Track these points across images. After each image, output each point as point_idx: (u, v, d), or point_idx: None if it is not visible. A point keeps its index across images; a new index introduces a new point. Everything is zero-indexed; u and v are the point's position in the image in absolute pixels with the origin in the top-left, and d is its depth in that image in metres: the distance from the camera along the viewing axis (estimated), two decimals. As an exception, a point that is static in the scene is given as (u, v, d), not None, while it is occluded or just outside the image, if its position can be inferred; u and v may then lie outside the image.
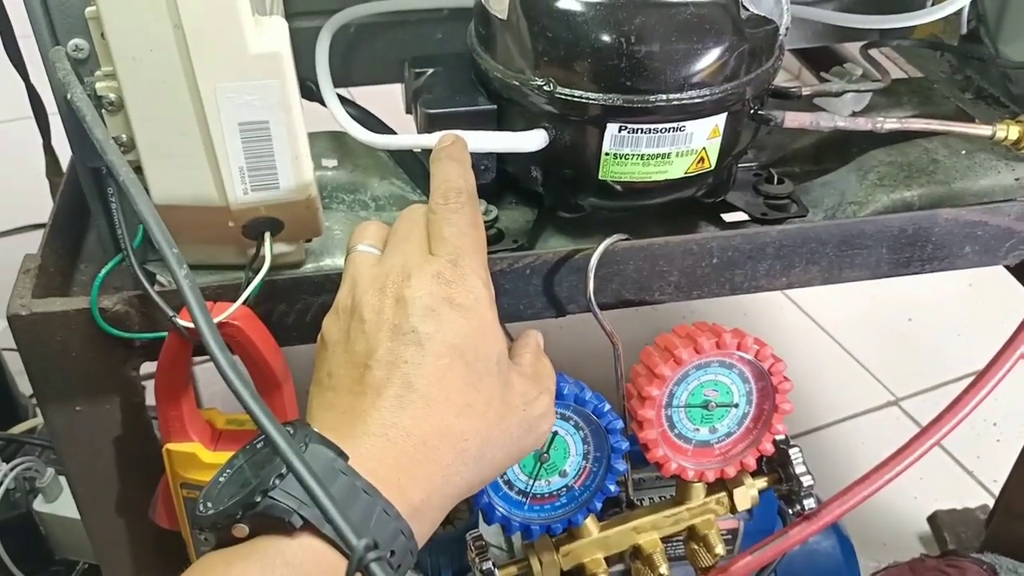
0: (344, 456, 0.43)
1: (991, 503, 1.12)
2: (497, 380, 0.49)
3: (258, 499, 0.41)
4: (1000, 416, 1.30)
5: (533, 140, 0.60)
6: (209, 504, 0.43)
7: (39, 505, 0.95)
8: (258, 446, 0.46)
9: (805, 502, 0.67)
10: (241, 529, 0.41)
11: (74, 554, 0.98)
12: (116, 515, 0.71)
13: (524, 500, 0.64)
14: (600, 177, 0.61)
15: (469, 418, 0.47)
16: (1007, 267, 0.79)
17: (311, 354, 0.53)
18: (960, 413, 0.65)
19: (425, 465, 0.45)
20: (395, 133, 0.65)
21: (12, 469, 0.93)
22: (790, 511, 0.69)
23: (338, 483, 0.41)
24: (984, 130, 0.69)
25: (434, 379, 0.46)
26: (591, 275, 0.61)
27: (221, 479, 0.44)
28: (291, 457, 0.38)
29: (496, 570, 0.64)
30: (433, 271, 0.49)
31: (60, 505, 0.95)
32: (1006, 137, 0.68)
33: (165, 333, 0.58)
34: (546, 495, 0.64)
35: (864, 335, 1.47)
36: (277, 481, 0.41)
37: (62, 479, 0.96)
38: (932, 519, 1.15)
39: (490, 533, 0.68)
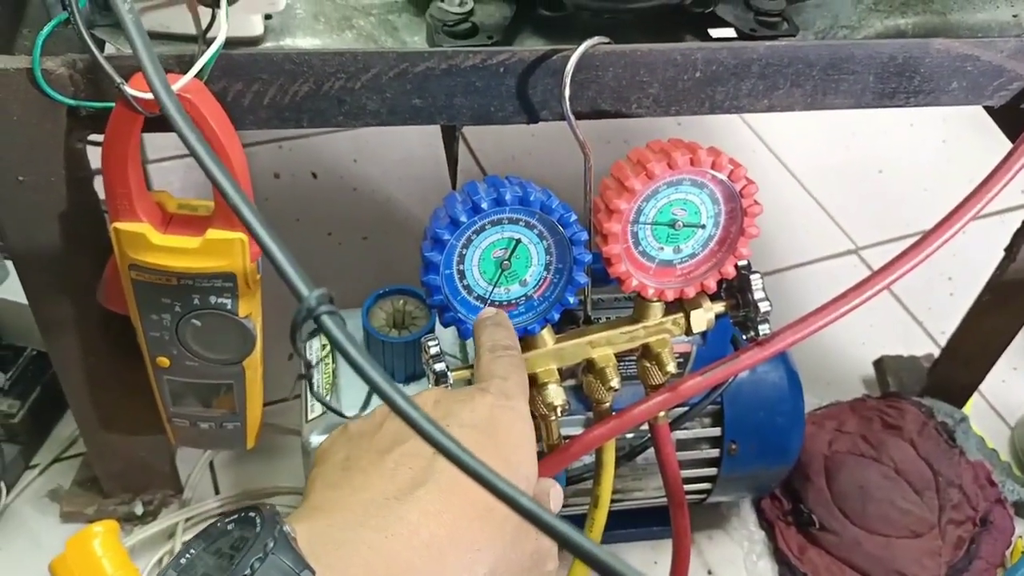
0: (310, 571, 0.39)
1: (938, 353, 1.14)
2: (521, 480, 0.48)
3: None
4: (955, 271, 1.31)
5: (517, -78, 0.56)
6: None
7: (-15, 288, 0.94)
8: (228, 527, 0.41)
9: (760, 328, 0.67)
10: None
11: (22, 340, 0.97)
12: (63, 297, 0.70)
13: (482, 306, 0.63)
14: (586, -29, 0.57)
15: (486, 526, 0.44)
16: (989, 110, 0.77)
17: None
18: (916, 258, 0.64)
19: (450, 518, 0.43)
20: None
21: (-44, 249, 0.91)
22: (744, 337, 0.69)
23: None
24: (991, -42, 0.66)
25: (458, 472, 0.44)
26: (567, 79, 0.58)
27: (182, 562, 0.40)
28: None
29: (450, 372, 0.64)
30: (476, 388, 0.51)
31: (6, 289, 0.94)
32: (1013, -34, 0.65)
33: (112, 104, 0.54)
34: (504, 303, 0.63)
35: (833, 184, 1.46)
36: (257, 564, 0.38)
37: (9, 264, 0.93)
38: (878, 363, 1.17)
39: (446, 343, 0.67)
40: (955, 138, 1.56)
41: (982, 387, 1.07)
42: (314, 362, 0.40)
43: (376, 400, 0.32)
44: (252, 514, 0.41)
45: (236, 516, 0.41)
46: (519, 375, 0.55)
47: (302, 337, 0.29)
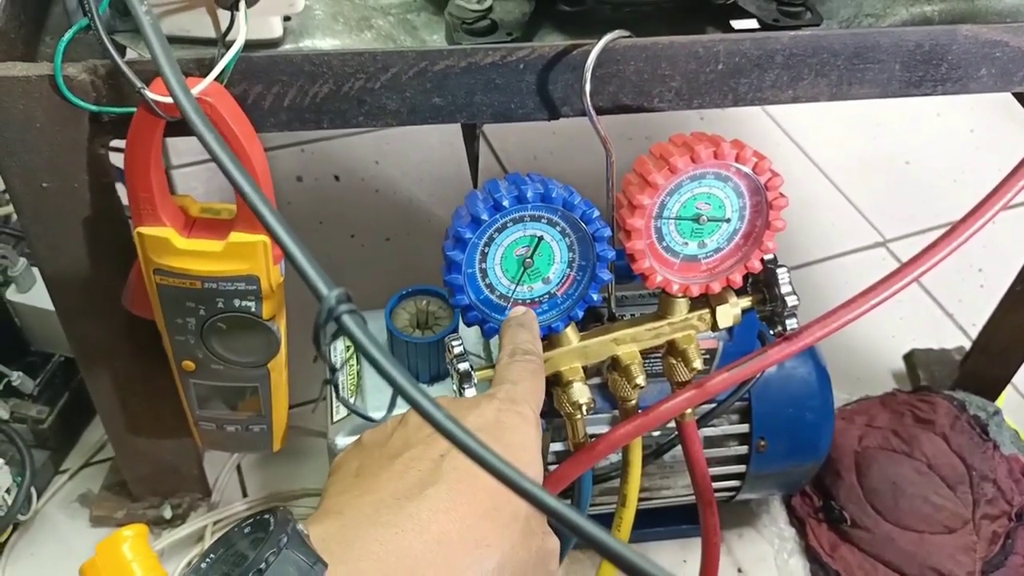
0: (322, 564, 0.40)
1: (969, 346, 1.12)
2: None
3: None
4: (986, 262, 1.29)
5: (535, -84, 0.56)
6: None
7: (12, 295, 0.94)
8: (246, 531, 0.43)
9: (787, 322, 0.66)
10: None
11: (50, 346, 0.98)
12: (89, 302, 0.70)
13: (505, 305, 0.62)
14: (605, -36, 0.57)
15: (495, 523, 0.44)
16: (1018, 97, 0.76)
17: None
18: (945, 250, 0.63)
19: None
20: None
21: (-17, 256, 0.92)
22: (771, 332, 0.68)
23: None
24: (1019, -58, 0.64)
25: (466, 472, 0.45)
26: (588, 74, 0.58)
27: (203, 566, 0.41)
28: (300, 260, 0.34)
29: (474, 372, 0.63)
30: (488, 398, 0.51)
31: (34, 296, 0.94)
32: (1042, -51, 0.64)
33: (134, 108, 0.54)
34: (528, 301, 0.63)
35: (859, 175, 1.45)
36: (271, 558, 0.39)
37: (35, 271, 0.94)
38: (908, 357, 1.16)
39: (469, 343, 0.67)
40: (983, 127, 1.54)
41: (1015, 379, 1.05)
42: (338, 364, 0.39)
43: (402, 402, 0.32)
44: (266, 516, 0.41)
45: (251, 520, 0.42)
46: (532, 380, 0.55)
47: (325, 339, 0.29)
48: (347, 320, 0.28)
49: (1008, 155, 0.66)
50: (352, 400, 0.75)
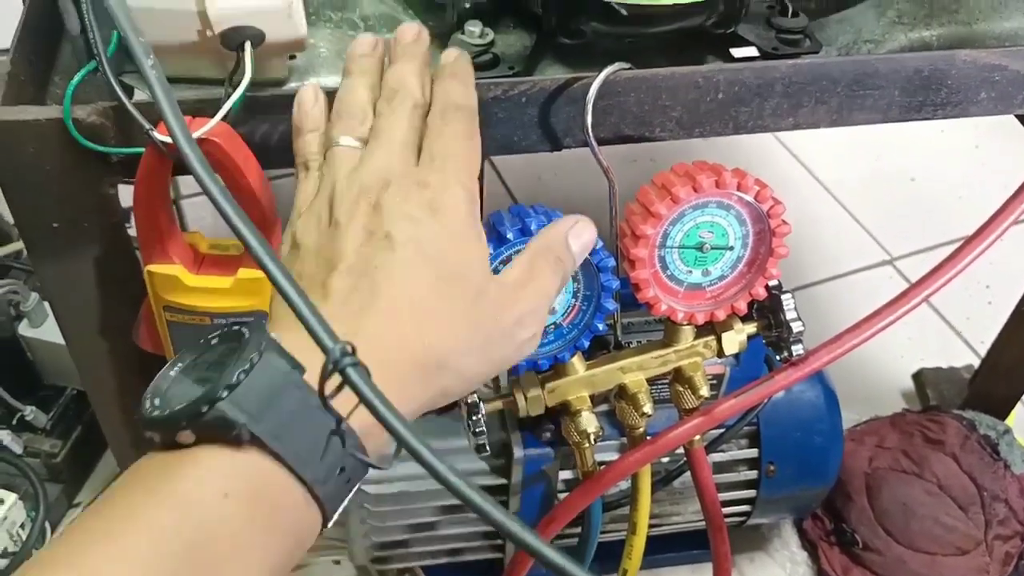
0: (300, 369, 0.39)
1: (977, 364, 1.12)
2: (468, 288, 0.46)
3: (205, 408, 0.38)
4: (993, 279, 1.29)
5: (534, -46, 0.56)
6: (156, 402, 0.40)
7: (24, 330, 0.95)
8: (212, 342, 0.42)
9: (793, 348, 0.66)
10: (187, 436, 0.38)
11: (62, 380, 0.99)
12: (99, 338, 0.71)
13: (511, 335, 0.63)
14: (604, -1, 0.58)
15: (432, 328, 0.44)
16: (1020, 118, 0.76)
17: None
18: (953, 270, 0.63)
19: (385, 373, 0.41)
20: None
21: (-4, 292, 0.93)
22: (778, 357, 0.68)
23: (291, 398, 0.38)
24: (1015, -34, 0.65)
25: (400, 286, 0.44)
26: (589, 105, 0.58)
27: (171, 373, 0.41)
28: (296, 301, 0.34)
29: (482, 403, 0.64)
30: (416, 179, 0.47)
31: (46, 331, 0.95)
32: (1037, -26, 0.64)
33: (142, 149, 0.55)
34: (533, 331, 0.63)
35: (864, 194, 1.45)
36: (225, 392, 0.38)
37: (47, 305, 0.95)
38: (917, 376, 1.16)
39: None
40: (988, 143, 1.54)
41: (1025, 398, 1.05)
42: (344, 414, 0.40)
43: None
44: (236, 328, 0.41)
45: (218, 334, 0.42)
46: (467, 150, 0.50)
47: (329, 391, 0.29)
48: (352, 375, 0.29)
49: (1013, 170, 0.66)
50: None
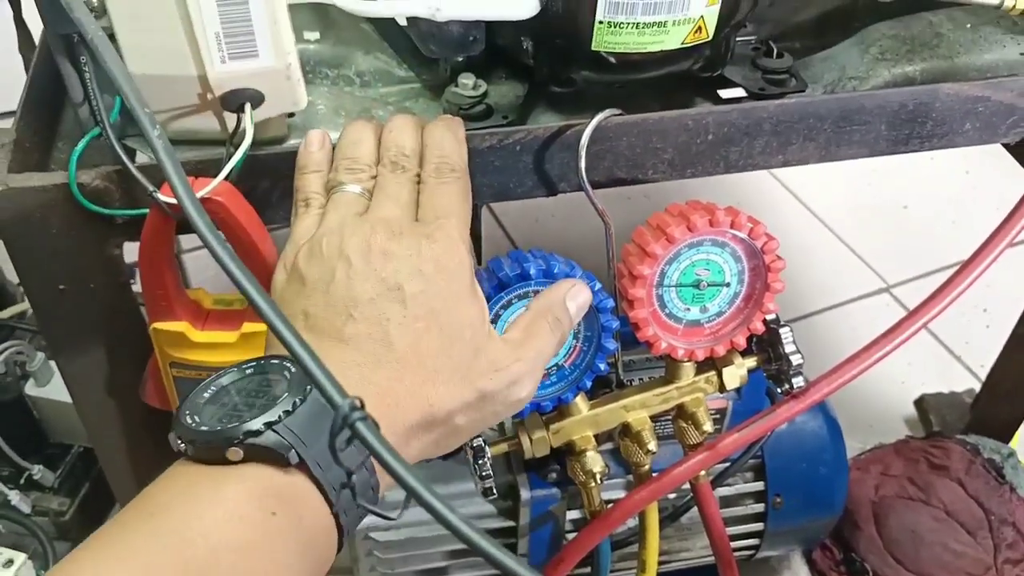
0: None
1: (978, 387, 1.13)
2: (468, 346, 0.48)
3: (261, 428, 0.40)
4: (990, 302, 1.30)
5: (524, 6, 0.58)
6: (197, 418, 0.42)
7: (31, 389, 0.96)
8: (247, 371, 0.45)
9: (794, 380, 0.67)
10: (235, 453, 0.41)
11: (69, 437, 0.99)
12: (106, 396, 0.71)
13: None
14: (593, 48, 0.59)
15: (436, 384, 0.47)
16: (1006, 146, 0.77)
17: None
18: (950, 296, 0.64)
19: (393, 424, 0.45)
20: None
21: (2, 353, 0.93)
22: (779, 390, 0.69)
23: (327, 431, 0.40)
24: None
25: (411, 341, 0.46)
26: (583, 152, 0.59)
27: (205, 395, 0.44)
28: (310, 364, 0.36)
29: (487, 446, 0.64)
30: (423, 232, 0.49)
31: (52, 389, 0.96)
32: (1015, 6, 0.65)
33: (146, 210, 0.56)
34: (536, 374, 0.64)
35: (857, 222, 1.47)
36: (283, 416, 0.41)
37: (53, 364, 0.96)
38: (919, 402, 1.16)
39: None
40: (978, 168, 1.56)
41: (1028, 419, 1.06)
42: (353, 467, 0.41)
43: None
44: (272, 360, 0.44)
45: (252, 364, 0.45)
46: (461, 206, 0.52)
47: (339, 446, 0.30)
48: (362, 428, 0.29)
49: (1004, 194, 0.67)
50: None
